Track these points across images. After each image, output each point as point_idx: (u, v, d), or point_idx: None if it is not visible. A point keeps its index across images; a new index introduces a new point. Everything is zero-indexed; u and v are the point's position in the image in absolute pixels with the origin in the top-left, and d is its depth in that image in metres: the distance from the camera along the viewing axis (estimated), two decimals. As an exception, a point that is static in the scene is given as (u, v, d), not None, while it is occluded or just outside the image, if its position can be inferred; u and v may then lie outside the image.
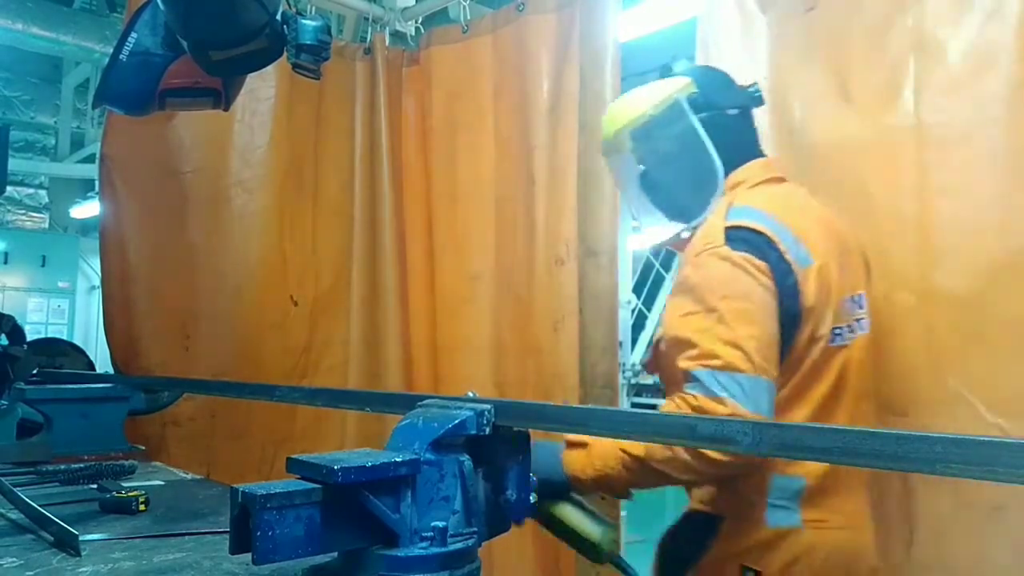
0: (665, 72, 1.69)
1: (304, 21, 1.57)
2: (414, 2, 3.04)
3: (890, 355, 1.57)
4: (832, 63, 1.70)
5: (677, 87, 1.52)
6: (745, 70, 1.85)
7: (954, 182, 1.52)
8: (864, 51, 1.66)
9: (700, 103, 1.50)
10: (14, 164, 7.75)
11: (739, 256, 1.34)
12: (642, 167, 1.56)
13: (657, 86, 1.56)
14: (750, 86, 1.58)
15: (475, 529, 1.12)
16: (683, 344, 1.33)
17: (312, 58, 1.58)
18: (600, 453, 1.35)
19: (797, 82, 1.76)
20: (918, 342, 1.54)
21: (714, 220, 1.42)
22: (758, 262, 1.34)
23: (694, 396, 1.29)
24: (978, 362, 1.47)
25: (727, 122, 1.52)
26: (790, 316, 1.34)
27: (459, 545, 1.08)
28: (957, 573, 1.49)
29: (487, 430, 1.15)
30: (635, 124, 1.53)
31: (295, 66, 1.60)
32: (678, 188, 1.53)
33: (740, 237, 1.36)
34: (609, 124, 1.60)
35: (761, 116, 1.81)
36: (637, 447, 1.32)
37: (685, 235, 1.51)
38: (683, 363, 1.32)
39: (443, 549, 1.05)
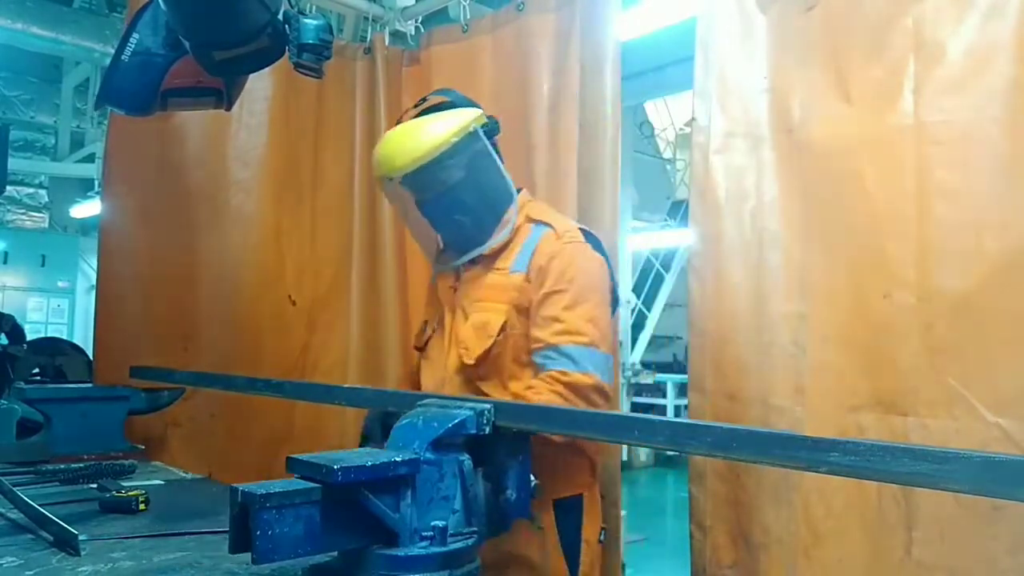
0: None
1: (306, 20, 1.57)
2: (414, 2, 3.04)
3: (890, 355, 1.57)
4: (832, 63, 1.70)
5: (472, 117, 1.71)
6: (744, 70, 1.85)
7: (954, 182, 1.51)
8: (864, 51, 1.66)
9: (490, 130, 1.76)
10: (14, 164, 7.75)
11: (596, 251, 1.72)
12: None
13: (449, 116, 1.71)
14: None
15: (475, 528, 1.12)
16: (548, 320, 1.62)
17: (314, 57, 1.58)
18: None
19: (797, 82, 1.76)
20: (918, 342, 1.54)
21: (563, 220, 1.77)
22: (605, 257, 1.74)
23: (563, 372, 1.58)
24: (978, 362, 1.47)
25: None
26: (613, 305, 1.75)
27: (459, 544, 1.08)
28: (957, 574, 1.49)
29: (487, 430, 1.16)
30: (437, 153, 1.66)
31: (297, 65, 1.59)
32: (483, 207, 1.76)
33: (591, 236, 1.74)
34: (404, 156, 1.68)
35: (761, 116, 1.82)
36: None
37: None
38: (551, 338, 1.61)
39: (443, 548, 1.06)
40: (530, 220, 1.77)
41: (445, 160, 1.67)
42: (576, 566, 1.70)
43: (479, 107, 1.79)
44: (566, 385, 1.57)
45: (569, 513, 1.71)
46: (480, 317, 1.70)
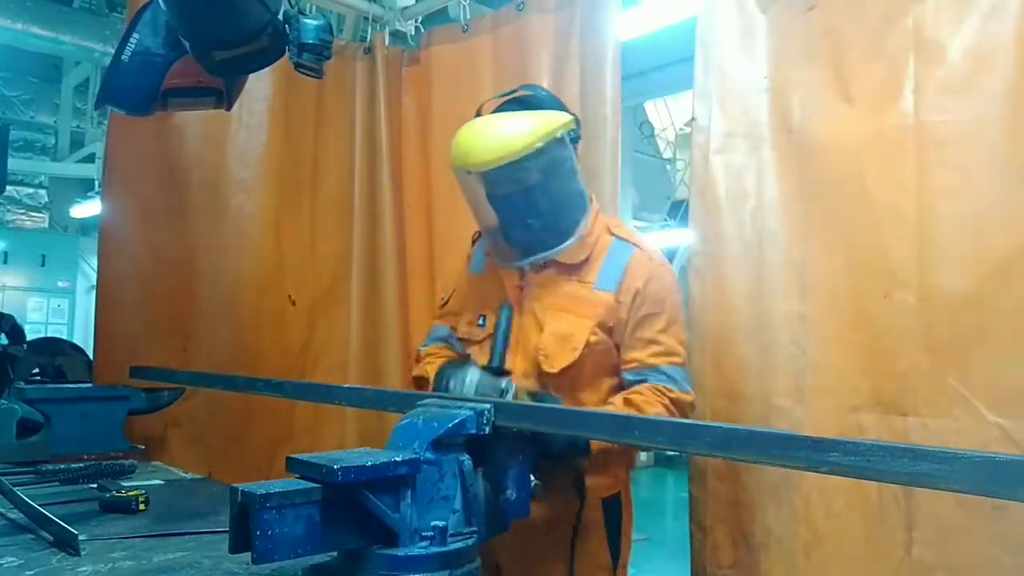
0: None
1: (306, 20, 1.57)
2: (414, 2, 3.03)
3: (890, 355, 1.57)
4: (832, 63, 1.70)
5: (561, 122, 1.66)
6: (744, 70, 1.85)
7: (954, 182, 1.52)
8: (864, 51, 1.66)
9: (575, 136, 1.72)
10: (14, 164, 7.75)
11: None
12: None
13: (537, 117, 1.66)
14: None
15: (475, 528, 1.12)
16: (646, 342, 1.66)
17: (314, 57, 1.58)
18: None
19: (797, 82, 1.76)
20: (918, 342, 1.54)
21: (645, 238, 1.77)
22: None
23: (667, 388, 1.62)
24: (978, 362, 1.47)
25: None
26: None
27: (459, 544, 1.08)
28: (957, 574, 1.49)
29: (487, 430, 1.16)
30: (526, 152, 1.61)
31: (297, 65, 1.59)
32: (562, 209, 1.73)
33: (667, 255, 1.77)
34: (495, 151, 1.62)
35: (761, 116, 1.82)
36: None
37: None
38: (649, 359, 1.65)
39: (443, 548, 1.06)
40: (610, 233, 1.75)
41: (526, 162, 1.61)
42: (617, 560, 1.72)
43: (566, 109, 1.74)
44: (672, 401, 1.62)
45: (613, 509, 1.73)
46: (562, 327, 1.66)
